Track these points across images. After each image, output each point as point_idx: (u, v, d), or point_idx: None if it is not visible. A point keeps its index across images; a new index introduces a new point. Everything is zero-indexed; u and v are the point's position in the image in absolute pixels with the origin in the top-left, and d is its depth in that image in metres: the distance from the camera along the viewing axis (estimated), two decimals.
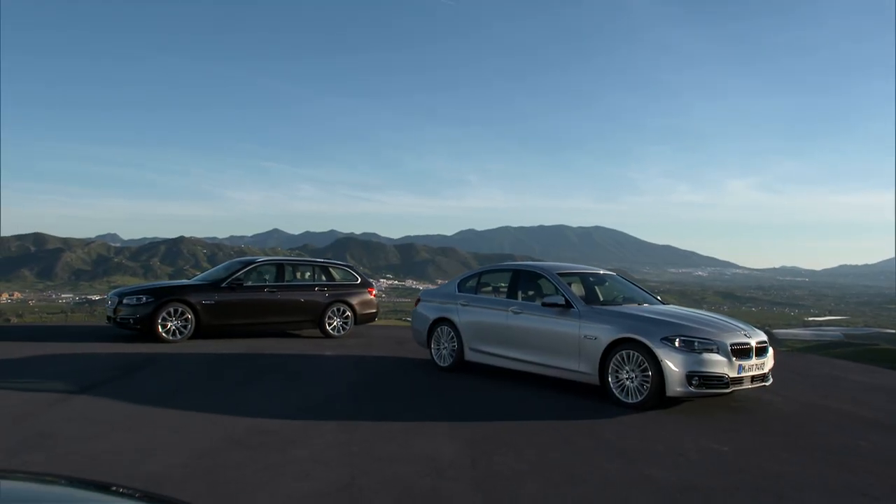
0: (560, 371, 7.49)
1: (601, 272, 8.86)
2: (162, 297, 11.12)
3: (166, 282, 14.58)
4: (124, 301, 11.10)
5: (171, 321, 11.07)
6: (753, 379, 6.83)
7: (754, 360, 6.81)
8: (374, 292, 13.33)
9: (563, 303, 7.51)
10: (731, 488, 4.43)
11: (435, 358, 9.07)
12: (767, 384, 7.13)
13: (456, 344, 8.69)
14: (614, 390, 6.90)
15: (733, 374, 6.58)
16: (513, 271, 8.67)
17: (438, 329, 8.98)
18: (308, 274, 13.23)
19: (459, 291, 9.00)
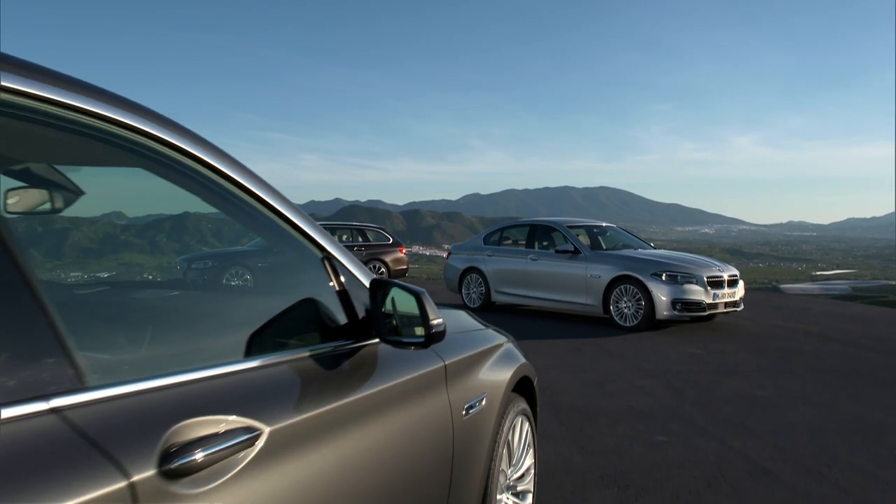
0: (571, 305, 9.26)
1: (603, 224, 10.60)
2: (226, 262, 12.93)
3: (228, 248, 16.45)
4: (193, 266, 12.90)
5: (234, 282, 12.91)
6: (726, 305, 8.58)
7: (727, 290, 8.55)
8: (403, 251, 15.10)
9: (573, 250, 9.26)
10: (697, 371, 6.18)
11: (465, 301, 10.81)
12: (739, 309, 8.89)
13: (483, 288, 10.44)
14: (615, 317, 8.66)
15: (709, 301, 8.32)
16: (530, 226, 10.44)
17: (468, 277, 10.73)
18: (346, 236, 14.98)
19: (485, 244, 10.74)
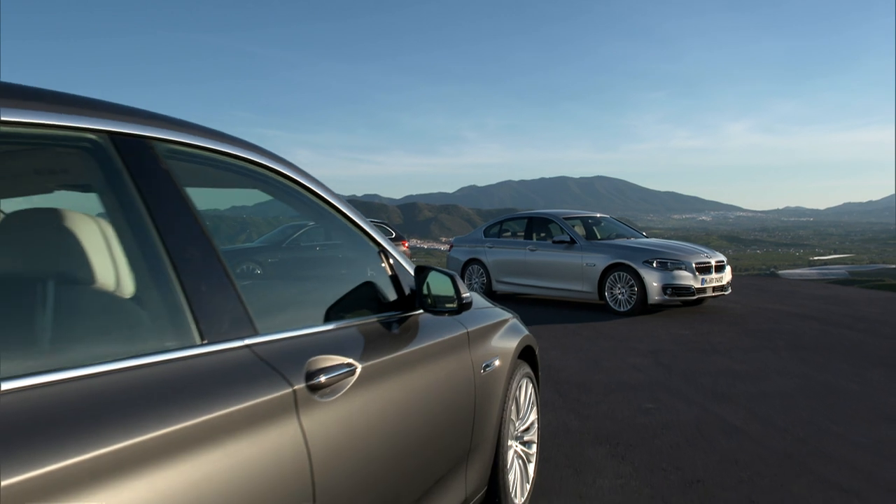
0: (568, 292, 9.81)
1: (598, 215, 11.13)
2: (235, 258, 13.45)
3: (238, 245, 16.97)
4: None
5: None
6: (714, 289, 9.14)
7: (714, 275, 9.10)
8: (406, 245, 15.58)
9: (569, 240, 9.80)
10: (684, 349, 6.74)
11: None
12: (726, 293, 9.45)
13: (485, 278, 10.98)
14: (610, 303, 9.21)
15: (698, 286, 8.87)
16: (528, 218, 10.97)
17: (470, 268, 11.26)
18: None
19: (485, 237, 11.27)
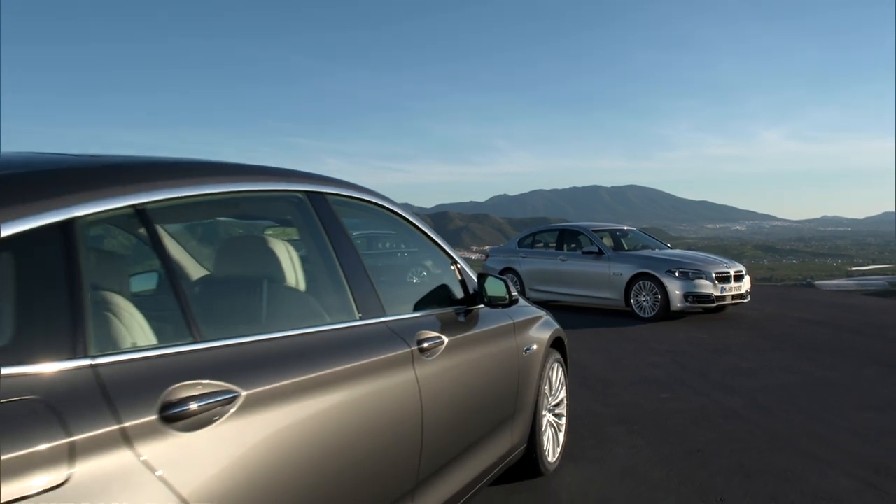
0: (597, 299, 10.56)
1: (625, 228, 11.88)
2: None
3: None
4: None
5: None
6: (734, 297, 9.82)
7: (733, 284, 9.79)
8: None
9: (597, 251, 10.56)
10: (700, 350, 7.44)
11: None
12: (746, 301, 10.13)
13: (519, 287, 11.75)
14: (635, 310, 9.94)
15: (717, 294, 9.56)
16: (559, 230, 11.77)
17: (505, 276, 12.04)
18: (388, 243, 16.39)
19: (519, 247, 12.08)
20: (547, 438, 3.62)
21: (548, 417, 3.68)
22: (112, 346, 1.38)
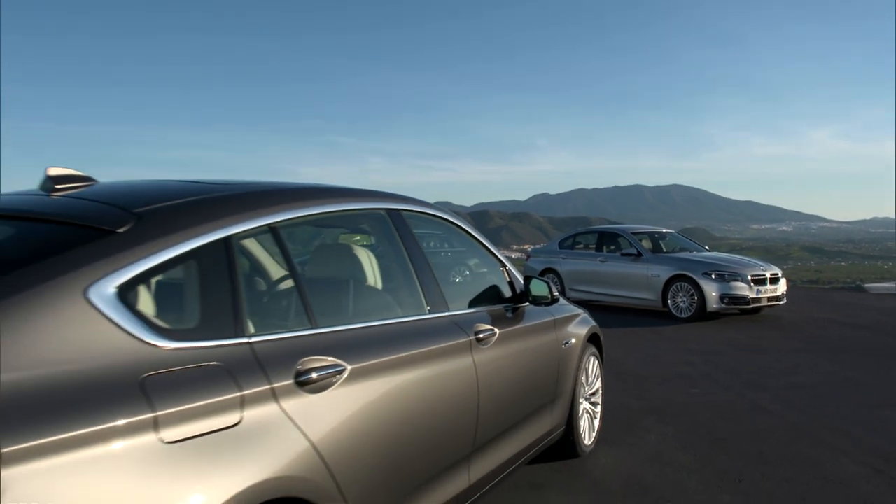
0: (635, 300, 10.91)
1: (664, 231, 12.19)
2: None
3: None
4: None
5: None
6: (769, 299, 10.08)
7: (769, 286, 10.05)
8: None
9: (636, 253, 10.91)
10: (733, 350, 7.77)
11: None
12: (781, 303, 10.38)
13: (560, 286, 12.15)
14: (672, 310, 10.27)
15: (753, 296, 9.84)
16: (598, 232, 12.15)
17: (546, 276, 12.43)
18: (432, 242, 16.96)
19: (560, 248, 12.48)
20: (583, 423, 4.06)
21: (584, 405, 4.11)
22: (261, 329, 1.87)
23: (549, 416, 3.55)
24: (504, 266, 3.39)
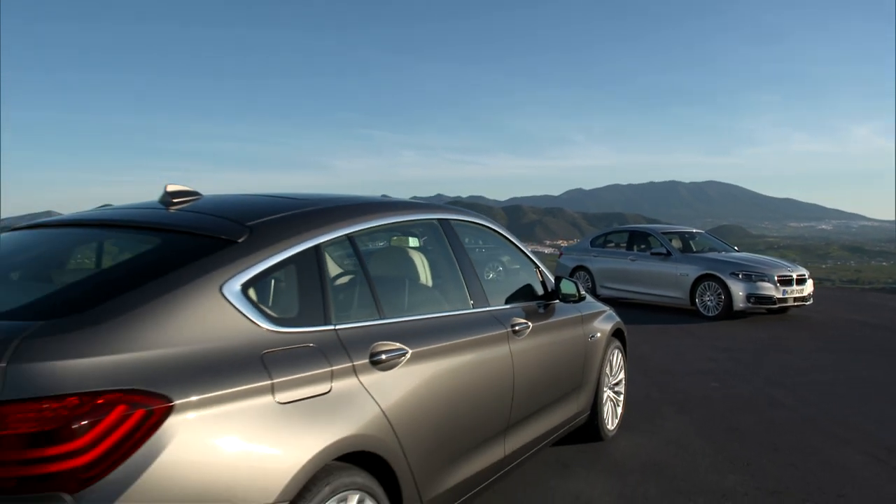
0: (663, 298, 11.24)
1: (693, 231, 12.50)
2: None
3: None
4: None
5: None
6: (795, 300, 10.35)
7: (795, 287, 10.32)
8: None
9: (665, 252, 11.23)
10: (756, 347, 8.09)
11: None
12: (808, 303, 10.64)
13: (590, 284, 12.51)
14: (700, 309, 10.58)
15: (779, 296, 10.12)
16: (629, 232, 12.49)
17: (577, 274, 12.83)
18: (467, 239, 17.43)
19: (591, 247, 12.84)
20: (607, 409, 4.48)
21: (608, 393, 4.53)
22: (343, 319, 2.33)
23: (576, 402, 3.98)
24: (538, 267, 3.82)
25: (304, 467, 1.89)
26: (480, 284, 3.15)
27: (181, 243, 2.17)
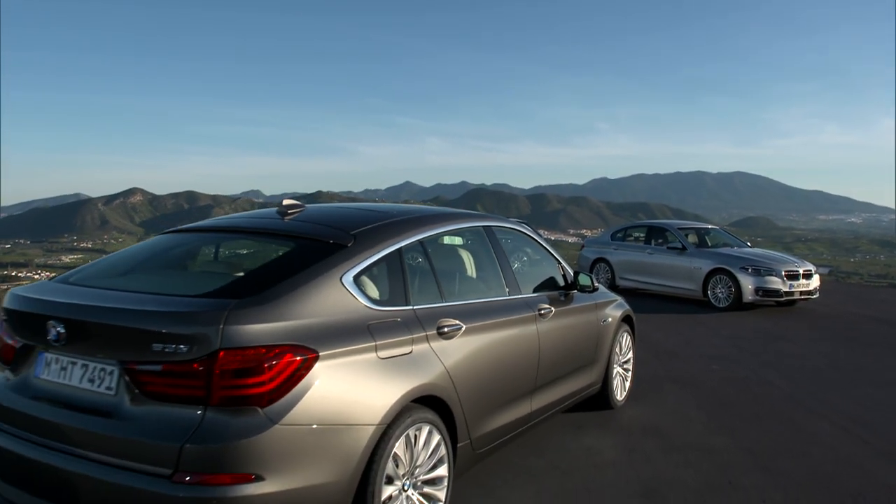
0: (678, 289, 12.03)
1: (709, 226, 13.27)
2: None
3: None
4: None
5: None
6: (801, 293, 11.10)
7: (802, 281, 11.08)
8: None
9: (681, 247, 12.01)
10: (760, 336, 8.87)
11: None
12: (814, 297, 11.39)
13: (610, 275, 13.32)
14: (711, 300, 11.37)
15: (785, 289, 10.88)
16: (648, 227, 13.30)
17: (598, 265, 13.64)
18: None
19: (612, 240, 13.66)
20: (616, 383, 5.33)
21: (617, 369, 5.38)
22: (418, 301, 3.20)
23: (589, 374, 4.84)
24: (560, 263, 4.67)
25: (395, 403, 2.77)
26: (515, 278, 4.01)
27: (310, 247, 3.05)
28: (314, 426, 2.48)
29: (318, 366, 2.52)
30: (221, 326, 2.38)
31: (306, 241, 3.10)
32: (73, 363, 2.63)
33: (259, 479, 2.34)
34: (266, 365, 2.41)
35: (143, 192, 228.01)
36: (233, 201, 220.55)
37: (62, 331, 2.58)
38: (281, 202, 3.47)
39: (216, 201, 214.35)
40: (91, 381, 2.57)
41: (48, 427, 2.58)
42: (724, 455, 4.41)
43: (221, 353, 2.36)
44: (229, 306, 2.45)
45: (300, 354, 2.49)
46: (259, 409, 2.39)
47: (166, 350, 2.38)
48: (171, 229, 3.66)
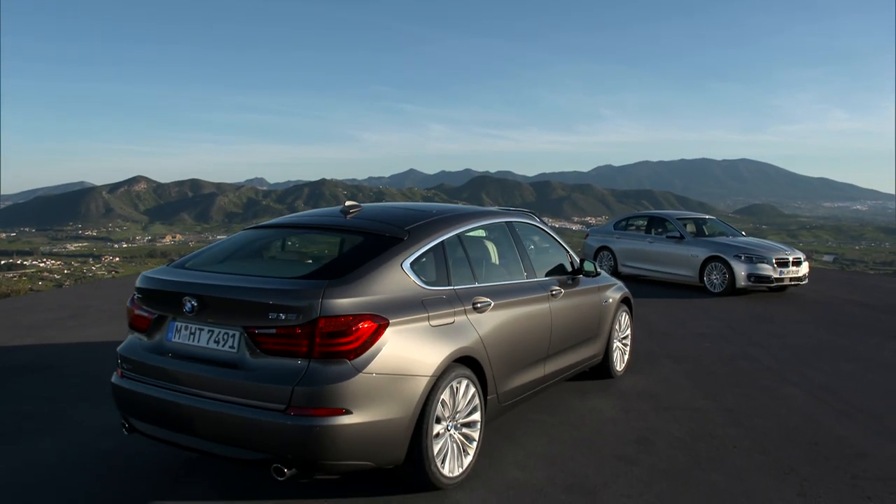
0: (676, 276, 12.86)
1: (706, 217, 14.07)
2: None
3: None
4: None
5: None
6: (791, 279, 11.90)
7: (791, 268, 11.89)
8: None
9: (679, 236, 12.84)
10: (749, 318, 9.69)
11: None
12: (803, 283, 12.23)
13: (613, 262, 14.14)
14: (707, 286, 12.20)
15: (776, 276, 11.71)
16: (648, 217, 14.09)
17: (601, 253, 14.46)
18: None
19: (614, 230, 14.48)
20: (616, 356, 6.17)
21: (617, 343, 6.21)
22: (457, 282, 4.02)
23: (592, 347, 5.68)
24: (567, 252, 5.49)
25: (443, 360, 3.60)
26: (532, 264, 4.83)
27: (375, 240, 3.86)
28: (386, 375, 3.32)
29: (388, 331, 3.35)
30: (320, 300, 3.21)
31: (371, 235, 3.92)
32: (201, 329, 3.47)
33: (348, 412, 3.19)
34: (353, 329, 3.24)
35: (147, 179, 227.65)
36: (237, 189, 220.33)
37: (195, 304, 3.41)
38: (344, 203, 4.30)
39: (220, 189, 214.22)
40: (217, 342, 3.41)
41: (184, 377, 3.42)
42: (707, 413, 5.25)
43: (322, 321, 3.19)
44: (324, 285, 3.28)
45: (377, 321, 3.32)
46: (348, 361, 3.22)
47: (280, 317, 3.21)
48: (252, 225, 4.49)
